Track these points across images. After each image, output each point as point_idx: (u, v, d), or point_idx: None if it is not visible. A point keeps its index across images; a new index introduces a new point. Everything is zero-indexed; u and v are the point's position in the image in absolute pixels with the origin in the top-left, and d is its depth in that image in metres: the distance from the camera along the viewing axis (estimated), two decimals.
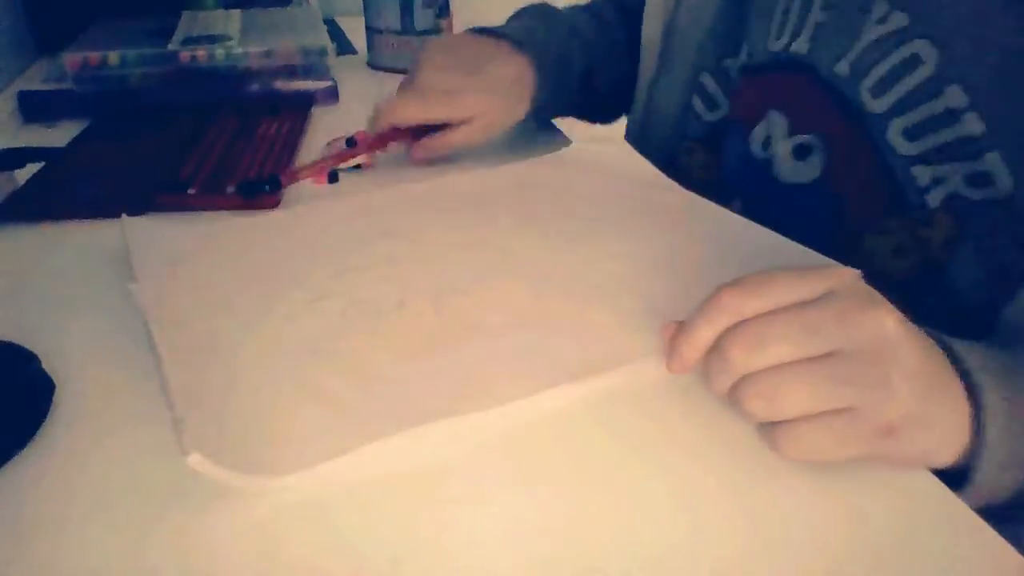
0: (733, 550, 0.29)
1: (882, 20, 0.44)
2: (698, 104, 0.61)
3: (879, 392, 0.30)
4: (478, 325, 0.41)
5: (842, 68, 0.47)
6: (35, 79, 0.81)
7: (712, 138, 0.60)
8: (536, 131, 0.70)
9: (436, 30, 0.91)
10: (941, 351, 0.33)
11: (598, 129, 0.77)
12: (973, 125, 0.41)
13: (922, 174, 0.43)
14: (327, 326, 0.41)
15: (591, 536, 0.30)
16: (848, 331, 0.30)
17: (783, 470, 0.32)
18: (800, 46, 0.50)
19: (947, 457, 0.32)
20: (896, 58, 0.44)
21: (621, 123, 0.76)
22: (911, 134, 0.43)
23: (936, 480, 0.32)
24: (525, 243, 0.49)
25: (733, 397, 0.32)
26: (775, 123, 0.52)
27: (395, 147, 0.62)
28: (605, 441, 0.34)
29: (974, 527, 0.30)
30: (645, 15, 0.64)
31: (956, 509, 0.31)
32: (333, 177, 0.62)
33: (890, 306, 0.32)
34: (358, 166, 0.63)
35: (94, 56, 0.75)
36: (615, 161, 0.60)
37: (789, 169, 0.51)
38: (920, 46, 0.42)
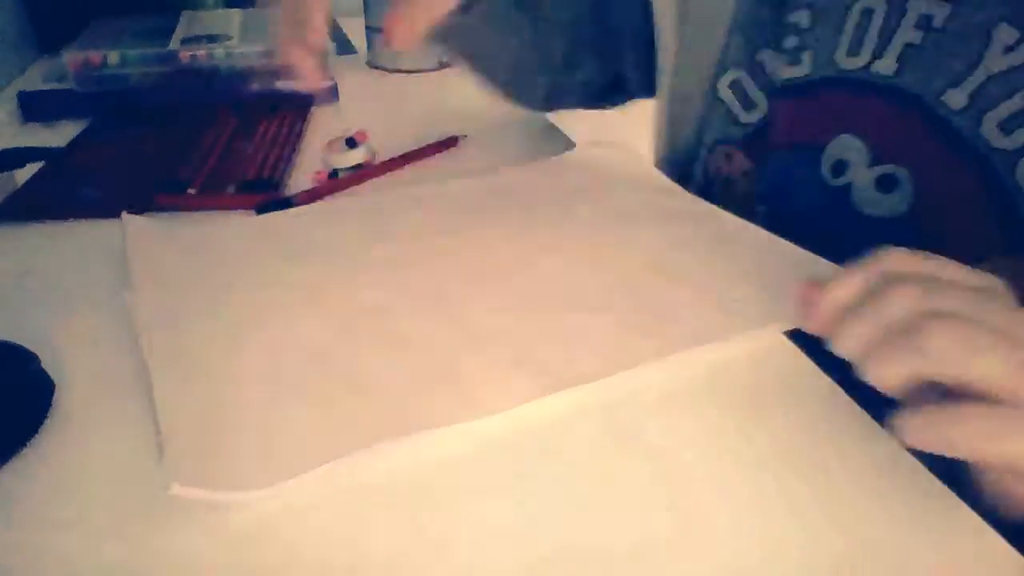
0: (732, 553, 0.29)
1: (1010, 49, 0.41)
2: (735, 104, 0.56)
3: None
4: (477, 330, 0.41)
5: (956, 99, 0.43)
6: (35, 79, 0.81)
7: (753, 142, 0.56)
8: (538, 134, 0.70)
9: None
10: None
11: (599, 132, 0.77)
12: None
13: None
14: (324, 330, 0.41)
15: (591, 538, 0.30)
16: None
17: (785, 475, 0.32)
18: (884, 67, 0.46)
19: None
20: None
21: (623, 125, 0.76)
22: None
23: (933, 478, 0.32)
24: (525, 248, 0.49)
25: (899, 348, 0.28)
26: (849, 148, 0.48)
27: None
28: (604, 445, 0.34)
29: (975, 528, 0.30)
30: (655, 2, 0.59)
31: (958, 511, 0.31)
32: (333, 177, 0.62)
33: None
34: (359, 166, 0.63)
35: (94, 56, 0.75)
36: (617, 165, 0.60)
37: (871, 200, 0.47)
38: None
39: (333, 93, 0.81)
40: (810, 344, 0.40)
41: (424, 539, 0.30)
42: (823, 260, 0.44)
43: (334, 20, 1.12)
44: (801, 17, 0.50)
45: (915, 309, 0.28)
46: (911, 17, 0.45)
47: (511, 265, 0.47)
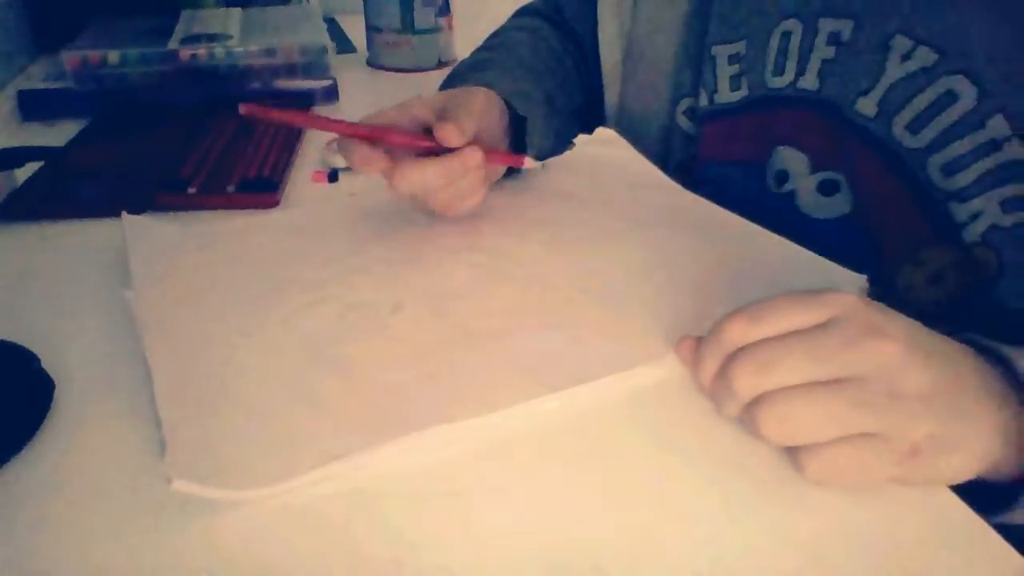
0: (731, 550, 0.29)
1: (907, 57, 0.44)
2: (691, 128, 0.59)
3: (896, 416, 0.30)
4: (475, 330, 0.41)
5: (866, 106, 0.46)
6: (34, 78, 0.81)
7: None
8: None
9: (436, 29, 0.91)
10: (968, 366, 0.33)
11: (599, 131, 0.77)
12: (1017, 150, 0.41)
13: (959, 211, 0.43)
14: (324, 329, 0.41)
15: (591, 536, 0.30)
16: (854, 359, 0.31)
17: (781, 473, 0.32)
18: (808, 82, 0.50)
19: (970, 473, 0.32)
20: (931, 94, 0.43)
21: None
22: (947, 170, 0.43)
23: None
24: (524, 247, 0.49)
25: (746, 422, 0.32)
26: (790, 159, 0.52)
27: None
28: (604, 444, 0.34)
29: (974, 528, 0.30)
30: (600, 41, 0.62)
31: (958, 511, 0.31)
32: (333, 176, 0.62)
33: (895, 329, 0.31)
34: None
35: (94, 55, 0.75)
36: (616, 163, 0.60)
37: (815, 204, 0.51)
38: (954, 82, 0.42)
39: (333, 92, 0.81)
40: None
41: (422, 539, 0.30)
42: (831, 263, 0.44)
43: (333, 19, 1.12)
44: (740, 47, 0.54)
45: (751, 393, 0.32)
46: (823, 35, 0.49)
47: (510, 265, 0.47)
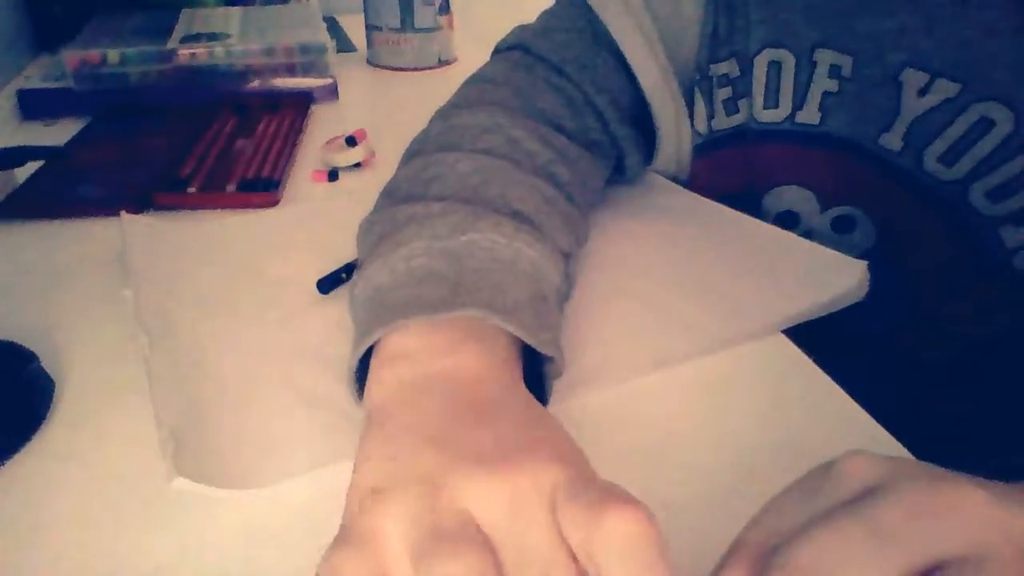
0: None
1: (924, 90, 0.42)
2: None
3: None
4: None
5: (891, 141, 0.44)
6: (34, 77, 0.81)
7: None
8: None
9: (436, 27, 0.91)
10: None
11: None
12: None
13: (1010, 235, 0.42)
14: (324, 329, 0.41)
15: None
16: (934, 528, 0.21)
17: (785, 475, 0.32)
18: (808, 116, 0.47)
19: None
20: (963, 124, 0.42)
21: None
22: (995, 195, 0.42)
23: None
24: None
25: None
26: (795, 198, 0.49)
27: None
28: (601, 445, 0.34)
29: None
30: (634, 67, 0.50)
31: None
32: (333, 175, 0.62)
33: (964, 479, 0.22)
34: (358, 164, 0.63)
35: (93, 54, 0.75)
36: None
37: (834, 244, 0.48)
38: (987, 108, 0.41)
39: (333, 91, 0.81)
40: (811, 344, 0.40)
41: None
42: (831, 251, 0.44)
43: (333, 18, 1.12)
44: (732, 67, 0.50)
45: None
46: (823, 67, 0.46)
47: None
